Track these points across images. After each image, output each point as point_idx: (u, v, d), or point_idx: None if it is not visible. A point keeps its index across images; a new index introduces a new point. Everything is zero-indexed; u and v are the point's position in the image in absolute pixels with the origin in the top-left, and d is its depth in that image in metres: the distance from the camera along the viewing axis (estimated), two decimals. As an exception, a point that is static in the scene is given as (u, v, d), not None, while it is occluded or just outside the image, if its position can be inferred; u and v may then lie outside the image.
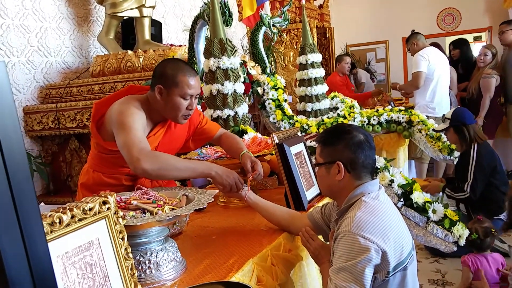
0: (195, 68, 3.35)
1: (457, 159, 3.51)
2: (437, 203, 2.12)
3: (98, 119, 1.78)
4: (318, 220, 1.57)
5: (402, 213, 2.12)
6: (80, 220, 0.92)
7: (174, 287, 1.20)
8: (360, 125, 3.82)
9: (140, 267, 1.20)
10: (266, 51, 3.91)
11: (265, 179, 2.33)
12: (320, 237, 1.57)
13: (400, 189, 2.20)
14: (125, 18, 3.90)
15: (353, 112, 3.96)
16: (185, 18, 5.13)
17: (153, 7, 3.98)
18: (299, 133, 2.13)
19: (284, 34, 6.33)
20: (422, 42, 4.64)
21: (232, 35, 5.82)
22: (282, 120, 3.58)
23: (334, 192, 1.44)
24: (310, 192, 1.92)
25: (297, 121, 3.64)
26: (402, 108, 4.04)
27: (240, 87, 2.87)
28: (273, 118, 3.60)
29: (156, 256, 1.22)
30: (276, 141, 1.83)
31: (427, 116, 4.01)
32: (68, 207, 0.91)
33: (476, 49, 6.47)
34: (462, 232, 2.06)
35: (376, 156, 1.57)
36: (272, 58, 4.41)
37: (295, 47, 6.33)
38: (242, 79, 3.02)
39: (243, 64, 3.42)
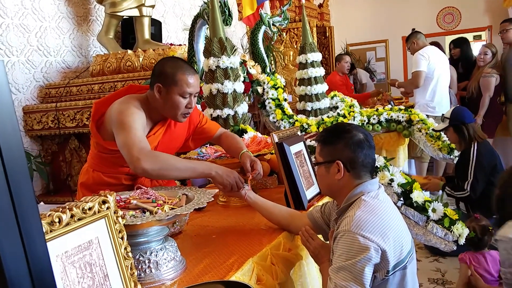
0: (194, 67, 3.35)
1: (457, 158, 3.51)
2: (436, 202, 2.12)
3: (97, 118, 1.77)
4: (318, 219, 1.57)
5: (402, 212, 2.12)
6: (79, 219, 0.92)
7: (173, 287, 1.20)
8: (360, 124, 3.82)
9: (139, 267, 1.20)
10: (266, 50, 3.91)
11: (265, 179, 2.33)
12: (320, 236, 1.57)
13: (399, 188, 2.20)
14: (124, 17, 3.90)
15: (353, 111, 3.97)
16: (185, 17, 5.13)
17: (153, 6, 3.98)
18: (299, 133, 2.13)
19: (284, 33, 6.33)
20: (422, 41, 4.64)
21: (232, 35, 5.82)
22: (282, 120, 3.58)
23: (333, 191, 1.44)
24: (310, 191, 1.92)
25: (297, 120, 3.64)
26: (402, 107, 4.05)
27: (240, 87, 2.87)
28: (273, 118, 3.60)
29: (156, 255, 1.22)
30: (276, 140, 1.83)
31: (427, 115, 4.01)
32: (67, 207, 0.91)
33: (476, 48, 6.47)
34: (461, 231, 2.06)
35: (376, 155, 1.58)
36: (272, 57, 4.41)
37: (295, 46, 6.33)
38: (242, 79, 3.02)
39: (243, 63, 3.42)
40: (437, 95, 4.55)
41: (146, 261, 1.21)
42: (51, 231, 0.85)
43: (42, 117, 3.41)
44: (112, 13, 3.77)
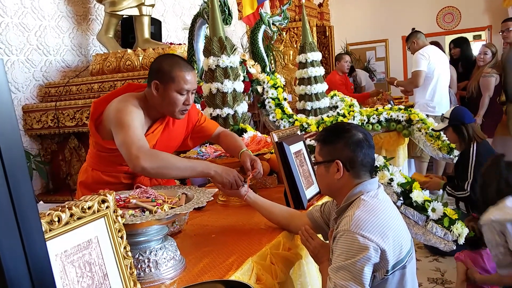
0: (194, 66, 3.35)
1: (456, 158, 3.51)
2: (436, 201, 2.12)
3: (96, 117, 1.77)
4: (318, 219, 1.57)
5: (402, 211, 2.12)
6: (79, 218, 0.92)
7: (173, 286, 1.20)
8: (360, 123, 3.82)
9: (139, 266, 1.20)
10: (266, 50, 3.91)
11: (265, 178, 2.33)
12: (320, 236, 1.57)
13: (399, 188, 2.20)
14: (124, 16, 3.90)
15: (353, 111, 3.96)
16: (185, 16, 5.13)
17: (153, 5, 3.97)
18: (298, 132, 2.13)
19: (284, 33, 6.32)
20: (422, 40, 4.63)
21: (232, 34, 5.82)
22: (281, 119, 3.58)
23: (333, 191, 1.44)
24: (309, 191, 1.92)
25: (296, 119, 3.64)
26: (402, 107, 4.05)
27: (239, 86, 2.86)
28: (273, 117, 3.60)
29: (156, 254, 1.22)
30: (276, 139, 1.83)
31: (427, 115, 4.01)
32: (67, 206, 0.91)
33: (476, 48, 6.47)
34: (461, 230, 2.06)
35: (376, 155, 1.57)
36: (271, 57, 4.41)
37: (295, 45, 6.32)
38: (241, 78, 3.01)
39: (243, 62, 3.42)
40: (437, 94, 4.55)
41: (146, 261, 1.21)
42: (50, 230, 0.85)
43: (42, 116, 3.41)
44: (112, 12, 3.77)
